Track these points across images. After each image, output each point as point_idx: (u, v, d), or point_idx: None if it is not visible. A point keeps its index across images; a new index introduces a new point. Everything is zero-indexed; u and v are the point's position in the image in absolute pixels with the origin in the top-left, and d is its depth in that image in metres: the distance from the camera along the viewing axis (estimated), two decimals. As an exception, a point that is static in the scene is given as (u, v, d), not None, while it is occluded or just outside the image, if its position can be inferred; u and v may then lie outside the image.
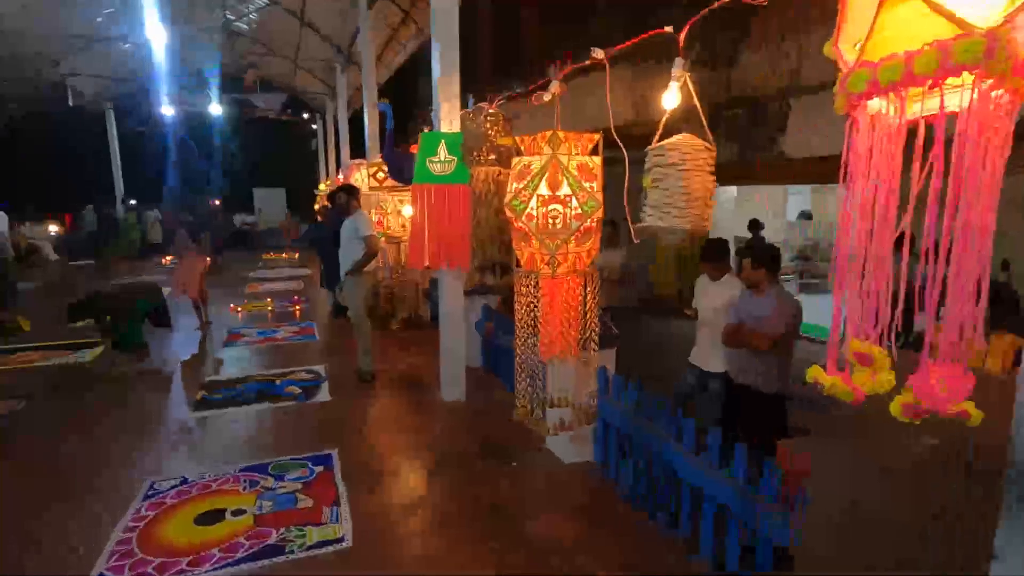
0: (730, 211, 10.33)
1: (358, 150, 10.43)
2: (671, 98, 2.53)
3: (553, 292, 2.68)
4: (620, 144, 2.55)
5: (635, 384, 3.41)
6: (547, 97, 2.59)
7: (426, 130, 4.82)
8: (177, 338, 7.09)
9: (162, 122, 18.51)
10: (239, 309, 8.99)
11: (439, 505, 3.46)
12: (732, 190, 10.52)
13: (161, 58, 13.89)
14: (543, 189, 2.53)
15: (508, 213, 2.56)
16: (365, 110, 8.07)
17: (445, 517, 3.33)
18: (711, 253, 4.04)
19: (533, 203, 2.54)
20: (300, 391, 5.26)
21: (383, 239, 6.75)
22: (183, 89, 16.83)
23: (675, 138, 2.73)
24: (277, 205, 21.72)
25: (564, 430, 2.85)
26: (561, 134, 2.47)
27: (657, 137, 2.68)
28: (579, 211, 2.52)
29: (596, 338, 2.76)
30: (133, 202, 18.51)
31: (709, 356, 3.94)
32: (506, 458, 3.97)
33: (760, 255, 3.45)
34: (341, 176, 12.33)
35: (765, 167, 5.66)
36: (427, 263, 4.23)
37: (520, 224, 2.60)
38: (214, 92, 16.86)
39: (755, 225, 8.44)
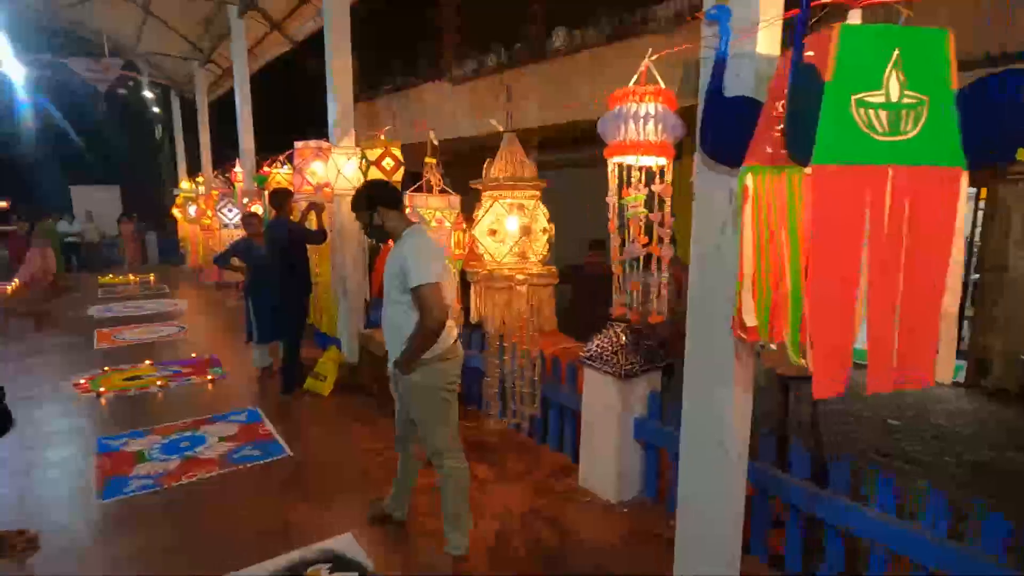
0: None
1: (274, 136, 7.17)
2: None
3: None
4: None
5: None
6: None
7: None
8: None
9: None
10: (100, 390, 5.23)
11: None
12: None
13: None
14: None
15: None
16: (329, 59, 5.00)
17: None
18: None
19: None
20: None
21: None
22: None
23: None
24: (110, 208, 16.48)
25: None
26: None
27: None
28: None
29: None
30: None
31: None
32: None
33: None
34: (239, 169, 8.72)
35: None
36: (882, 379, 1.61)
37: None
38: (11, 50, 11.78)
39: None
